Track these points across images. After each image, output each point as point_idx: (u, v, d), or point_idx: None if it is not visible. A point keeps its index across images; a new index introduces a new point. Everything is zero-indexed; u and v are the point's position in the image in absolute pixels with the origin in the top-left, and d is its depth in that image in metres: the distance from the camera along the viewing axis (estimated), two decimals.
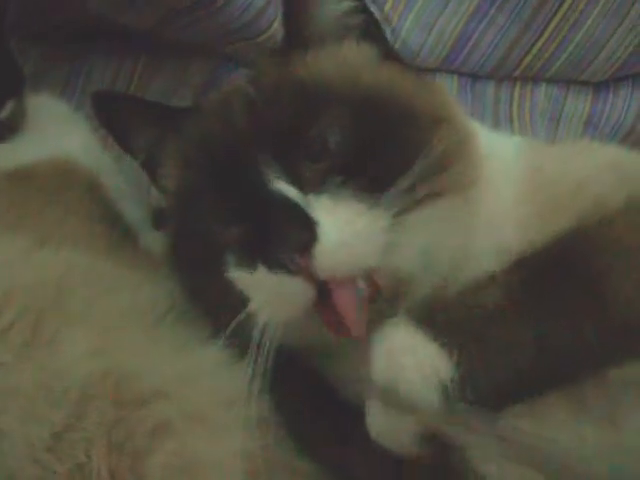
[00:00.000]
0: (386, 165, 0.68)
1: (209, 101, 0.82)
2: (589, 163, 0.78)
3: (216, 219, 0.71)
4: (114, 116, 0.81)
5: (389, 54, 0.79)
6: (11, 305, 0.68)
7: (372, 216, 0.65)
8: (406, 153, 0.68)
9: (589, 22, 1.25)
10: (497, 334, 0.62)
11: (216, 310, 0.72)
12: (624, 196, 0.72)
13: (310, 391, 0.75)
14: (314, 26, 0.77)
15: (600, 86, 1.34)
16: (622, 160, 0.82)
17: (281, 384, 0.70)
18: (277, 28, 1.17)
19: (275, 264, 0.65)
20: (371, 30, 0.79)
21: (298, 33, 0.77)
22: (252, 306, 0.68)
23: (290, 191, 0.66)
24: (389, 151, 0.69)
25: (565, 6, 1.23)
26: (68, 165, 0.88)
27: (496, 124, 1.28)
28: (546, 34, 1.26)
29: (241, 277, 0.69)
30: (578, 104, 1.33)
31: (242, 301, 0.68)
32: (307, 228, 0.64)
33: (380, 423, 0.65)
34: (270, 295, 0.66)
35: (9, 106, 0.88)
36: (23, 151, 0.89)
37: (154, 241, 0.89)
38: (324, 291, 0.64)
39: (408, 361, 0.62)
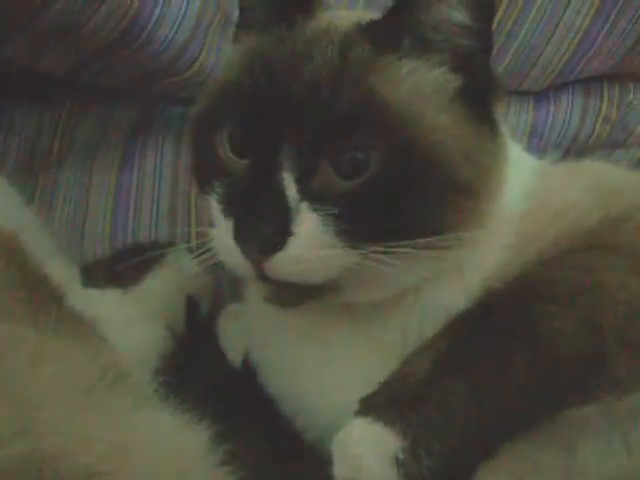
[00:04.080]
0: (396, 226, 0.66)
1: (303, 21, 0.75)
2: (572, 187, 0.77)
3: (232, 147, 0.72)
4: None
5: (473, 91, 0.71)
6: None
7: (345, 253, 0.65)
8: (424, 229, 0.67)
9: (523, 31, 1.23)
10: (432, 398, 0.62)
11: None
12: (599, 218, 0.71)
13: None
14: (416, 31, 0.69)
15: (540, 96, 1.32)
16: (604, 179, 0.80)
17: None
18: (203, 61, 1.13)
19: (238, 240, 0.67)
20: (473, 61, 0.70)
21: (395, 35, 0.69)
22: (213, 234, 0.73)
23: (291, 189, 0.66)
24: (408, 214, 0.66)
25: (499, 15, 1.21)
26: None
27: None
28: None
29: (216, 210, 0.72)
30: (520, 115, 1.31)
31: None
32: (283, 234, 0.65)
33: None
34: (224, 247, 0.70)
35: None
36: None
37: (84, 300, 0.82)
38: None
39: (361, 449, 0.62)
